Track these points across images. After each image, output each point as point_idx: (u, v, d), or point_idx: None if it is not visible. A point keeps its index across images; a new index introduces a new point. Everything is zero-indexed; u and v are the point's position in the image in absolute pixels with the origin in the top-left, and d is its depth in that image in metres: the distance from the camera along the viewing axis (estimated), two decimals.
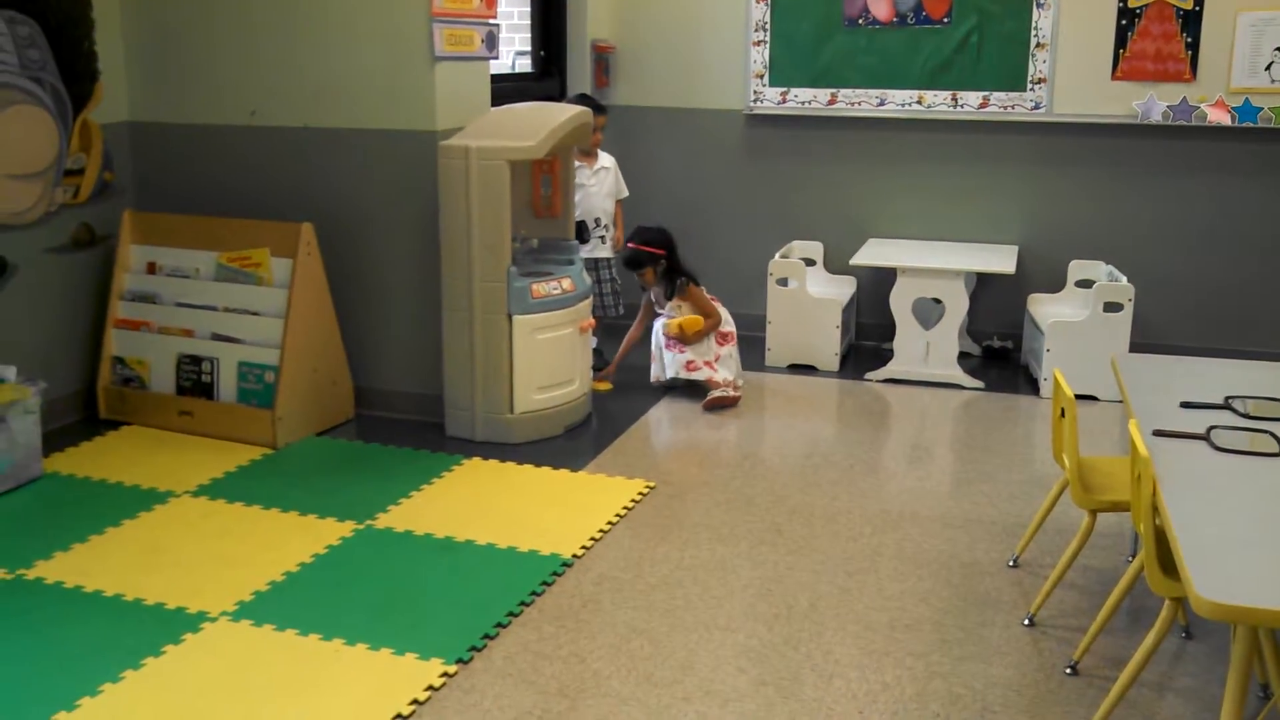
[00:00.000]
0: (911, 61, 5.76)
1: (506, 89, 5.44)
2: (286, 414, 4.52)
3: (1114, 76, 5.56)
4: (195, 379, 4.69)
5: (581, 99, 5.47)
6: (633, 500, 4.04)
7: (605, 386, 5.27)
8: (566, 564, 3.56)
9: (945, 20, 5.70)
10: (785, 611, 3.27)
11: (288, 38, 4.71)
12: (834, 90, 5.94)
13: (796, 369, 5.63)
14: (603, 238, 5.49)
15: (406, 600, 3.34)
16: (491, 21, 4.87)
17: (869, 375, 5.49)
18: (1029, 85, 5.63)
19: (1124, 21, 5.51)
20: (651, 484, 4.19)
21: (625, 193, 5.61)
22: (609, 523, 3.86)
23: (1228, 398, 3.02)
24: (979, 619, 3.24)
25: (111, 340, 4.84)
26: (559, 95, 6.02)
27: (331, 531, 3.78)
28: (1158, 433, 2.80)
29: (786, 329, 5.61)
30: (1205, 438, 2.75)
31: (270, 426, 4.50)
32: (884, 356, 5.55)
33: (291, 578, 3.46)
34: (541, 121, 4.50)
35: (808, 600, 3.34)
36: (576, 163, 5.41)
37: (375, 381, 4.92)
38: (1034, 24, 5.58)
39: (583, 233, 5.40)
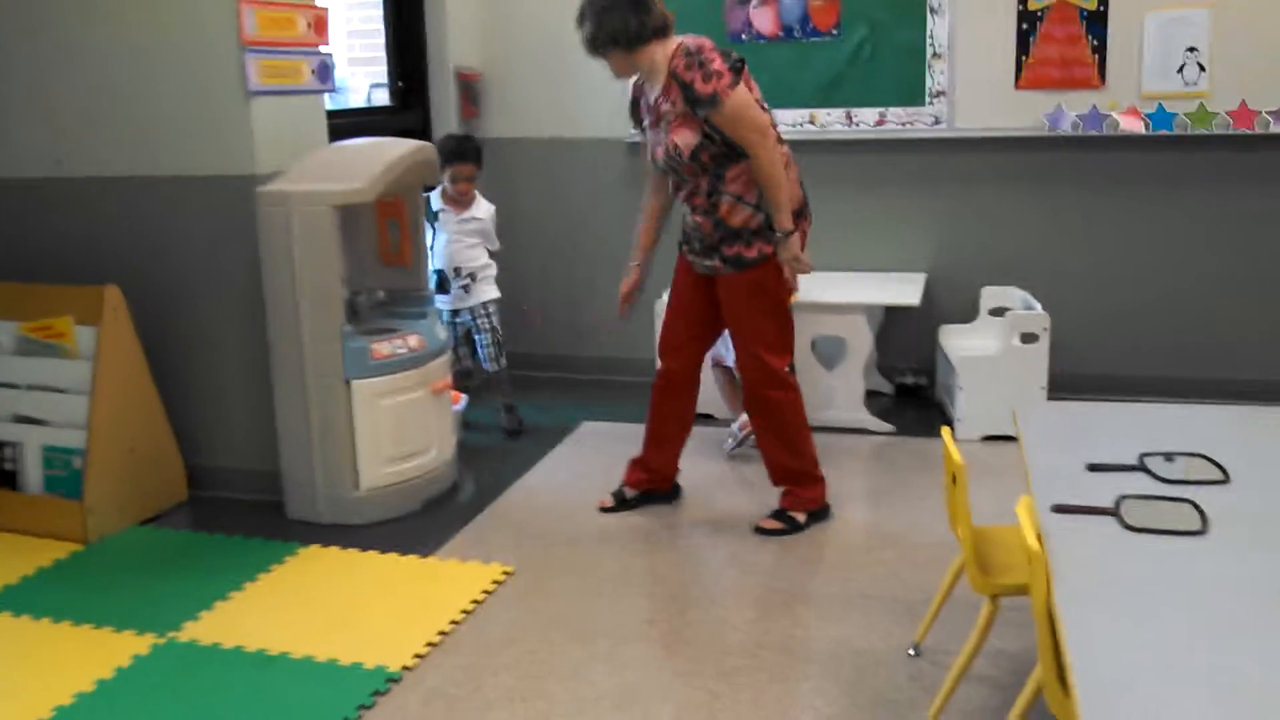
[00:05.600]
0: (801, 78, 5.31)
1: (361, 124, 4.93)
2: (98, 503, 3.96)
3: (1018, 85, 5.13)
4: None
5: (452, 141, 4.97)
6: (484, 591, 3.51)
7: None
8: (393, 678, 3.03)
9: (834, 32, 5.26)
10: None
11: (93, 74, 4.17)
12: None
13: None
14: (466, 288, 4.97)
15: None
16: (323, 50, 4.36)
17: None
18: (928, 99, 5.20)
19: (1025, 26, 5.09)
20: (509, 569, 3.66)
21: (495, 246, 5.09)
22: (452, 622, 3.32)
23: (1142, 455, 2.55)
24: None
25: None
26: (421, 128, 5.52)
27: (125, 648, 3.22)
28: (1057, 508, 2.33)
29: None
30: (1114, 513, 2.28)
31: (80, 519, 3.93)
32: None
33: (61, 714, 2.89)
34: (371, 160, 3.99)
35: (670, 713, 2.82)
36: (443, 205, 4.92)
37: (209, 459, 4.37)
38: (929, 32, 5.15)
39: (443, 283, 4.92)
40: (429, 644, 3.20)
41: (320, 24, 4.36)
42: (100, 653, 3.20)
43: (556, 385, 5.73)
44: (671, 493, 4.21)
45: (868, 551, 3.75)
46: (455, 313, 5.01)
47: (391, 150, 4.07)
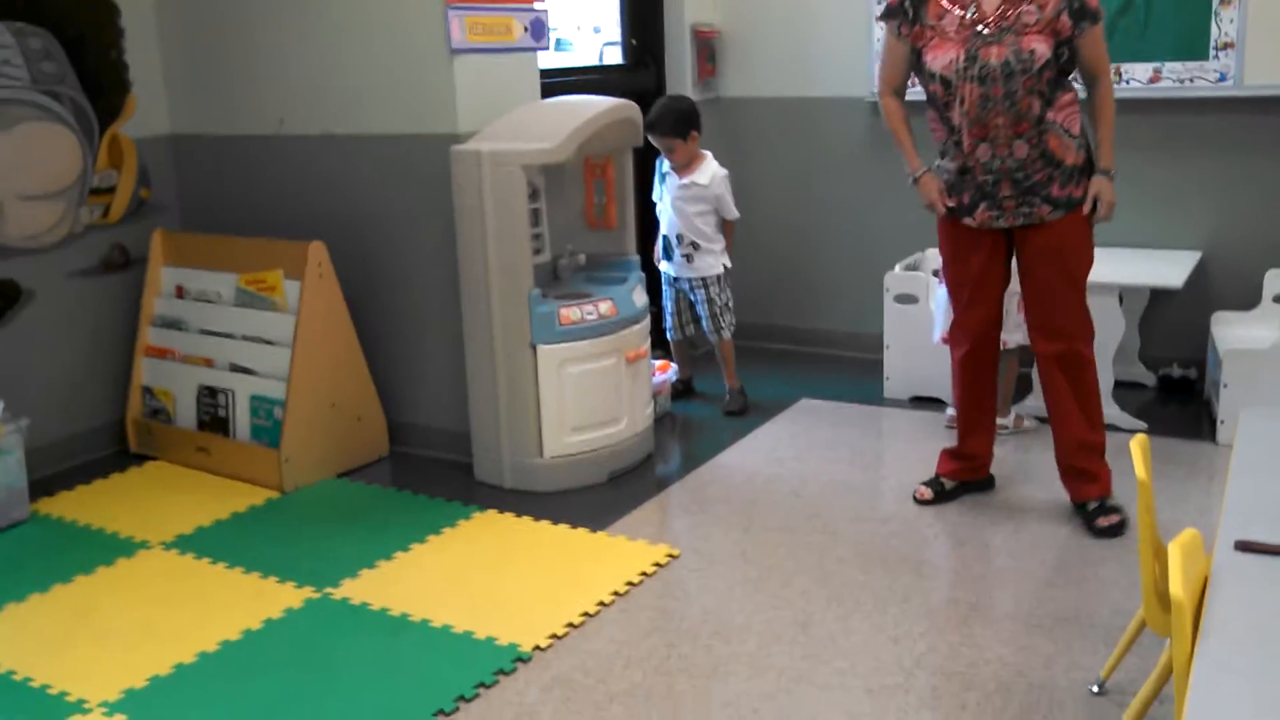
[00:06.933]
0: None
1: (592, 84, 4.79)
2: (294, 454, 4.04)
3: None
4: (213, 413, 4.29)
5: (652, 109, 4.60)
6: (642, 574, 3.32)
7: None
8: (521, 658, 2.89)
9: None
10: None
11: (310, 34, 4.23)
12: None
13: (920, 403, 4.72)
14: (688, 257, 4.69)
15: (311, 700, 2.76)
16: (536, 7, 4.24)
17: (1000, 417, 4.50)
18: (1213, 52, 4.53)
19: None
20: (676, 552, 3.45)
21: (730, 215, 4.71)
22: (600, 604, 3.16)
23: None
24: None
25: (141, 369, 4.50)
26: (655, 88, 5.35)
27: (281, 600, 3.25)
28: (1241, 545, 1.90)
29: (908, 355, 4.70)
30: None
31: (277, 468, 4.03)
32: (1024, 389, 4.56)
33: (203, 660, 2.94)
34: (565, 120, 3.84)
35: None
36: (668, 169, 4.69)
37: (411, 416, 4.39)
38: None
39: (668, 249, 4.73)
40: (569, 624, 3.05)
41: None
42: (258, 603, 3.24)
43: (780, 357, 5.45)
44: (987, 482, 3.82)
45: (1083, 564, 3.29)
46: (676, 278, 4.81)
47: (587, 109, 3.91)
